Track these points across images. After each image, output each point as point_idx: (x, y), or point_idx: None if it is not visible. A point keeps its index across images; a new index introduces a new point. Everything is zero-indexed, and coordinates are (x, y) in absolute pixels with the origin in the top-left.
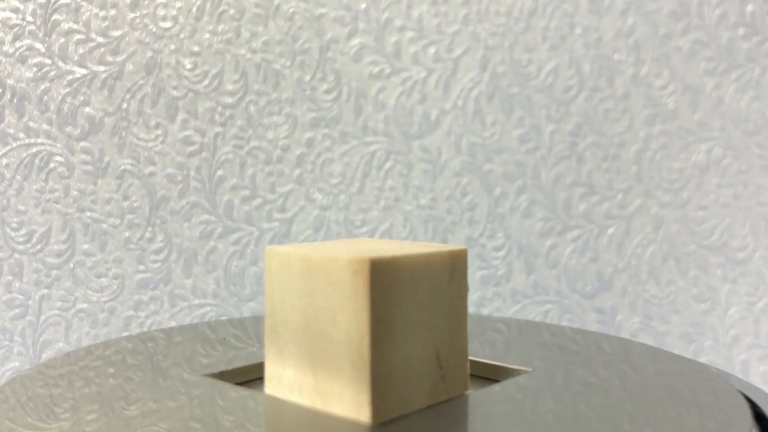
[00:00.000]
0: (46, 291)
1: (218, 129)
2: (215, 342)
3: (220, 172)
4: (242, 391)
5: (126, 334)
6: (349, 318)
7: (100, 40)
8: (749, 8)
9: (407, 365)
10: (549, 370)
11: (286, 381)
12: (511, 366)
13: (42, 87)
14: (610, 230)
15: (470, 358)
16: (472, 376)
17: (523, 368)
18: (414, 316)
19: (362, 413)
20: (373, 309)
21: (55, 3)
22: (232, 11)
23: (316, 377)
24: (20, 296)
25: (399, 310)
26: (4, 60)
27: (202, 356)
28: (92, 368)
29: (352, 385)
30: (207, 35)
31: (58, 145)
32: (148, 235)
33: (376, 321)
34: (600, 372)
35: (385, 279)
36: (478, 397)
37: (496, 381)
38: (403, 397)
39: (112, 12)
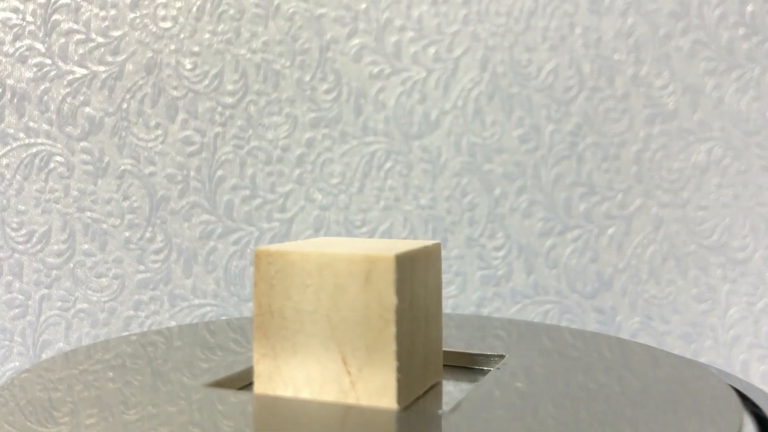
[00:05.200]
0: (46, 291)
1: (218, 129)
2: (215, 346)
3: (220, 172)
4: (242, 396)
5: (126, 334)
6: None
7: (100, 40)
8: (749, 8)
9: (301, 356)
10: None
11: None
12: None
13: (42, 87)
14: (610, 230)
15: (467, 364)
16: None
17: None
18: (310, 312)
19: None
20: (257, 294)
21: (55, 3)
22: (232, 11)
23: None
24: (20, 296)
25: (290, 301)
26: (4, 60)
27: (201, 360)
28: (92, 372)
29: None
30: (207, 35)
31: (58, 145)
32: (148, 235)
33: (259, 306)
34: (600, 377)
35: (271, 270)
36: (406, 413)
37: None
38: (297, 383)
39: (112, 12)
